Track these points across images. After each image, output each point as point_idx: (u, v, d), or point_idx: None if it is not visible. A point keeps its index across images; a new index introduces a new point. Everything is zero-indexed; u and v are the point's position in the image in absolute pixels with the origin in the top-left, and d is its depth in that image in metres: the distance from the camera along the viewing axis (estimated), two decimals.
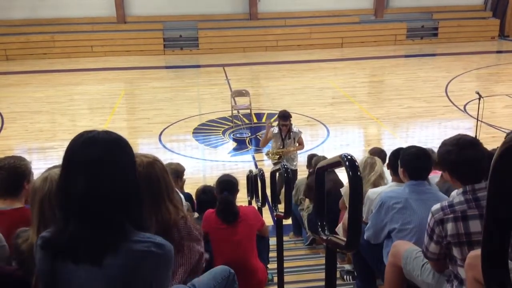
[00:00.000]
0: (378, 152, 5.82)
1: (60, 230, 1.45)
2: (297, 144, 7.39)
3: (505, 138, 3.10)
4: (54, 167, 2.06)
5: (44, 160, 8.94)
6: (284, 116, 7.19)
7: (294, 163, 7.37)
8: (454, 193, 3.25)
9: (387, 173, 4.15)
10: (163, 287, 1.53)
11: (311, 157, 6.30)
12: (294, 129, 7.37)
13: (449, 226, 2.35)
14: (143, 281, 1.46)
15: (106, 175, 1.43)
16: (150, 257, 1.45)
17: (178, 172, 5.01)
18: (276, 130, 7.38)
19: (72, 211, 1.44)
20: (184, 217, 2.18)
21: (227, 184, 3.78)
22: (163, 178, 2.13)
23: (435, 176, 4.37)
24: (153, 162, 2.12)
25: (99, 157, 1.44)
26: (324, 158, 5.22)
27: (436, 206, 2.43)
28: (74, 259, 1.44)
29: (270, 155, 7.46)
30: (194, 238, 2.19)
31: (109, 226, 1.43)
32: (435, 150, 4.99)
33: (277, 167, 4.78)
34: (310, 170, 5.65)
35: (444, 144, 2.51)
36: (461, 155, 2.38)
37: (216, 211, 3.61)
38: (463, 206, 2.36)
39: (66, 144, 1.50)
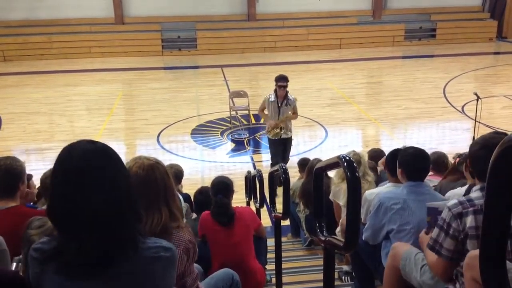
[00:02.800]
0: (378, 153, 5.85)
1: (62, 243, 1.40)
2: (291, 113, 7.52)
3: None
4: None
5: (42, 161, 8.93)
6: (282, 78, 7.34)
7: (288, 132, 7.58)
8: (458, 191, 3.26)
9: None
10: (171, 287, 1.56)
11: (302, 162, 6.26)
12: (290, 96, 7.47)
13: (469, 219, 2.32)
14: (154, 285, 1.47)
15: (101, 185, 1.40)
16: (160, 262, 1.47)
17: (180, 173, 5.02)
18: (272, 97, 7.46)
19: (71, 225, 1.39)
20: (179, 227, 2.08)
21: (221, 186, 3.76)
22: (163, 181, 2.06)
23: (433, 180, 4.39)
24: (155, 165, 2.07)
25: (92, 168, 1.40)
26: (319, 160, 5.23)
27: (454, 201, 2.40)
28: (80, 274, 1.39)
29: (270, 132, 7.51)
30: (185, 251, 2.06)
31: (116, 236, 1.40)
32: (434, 152, 5.01)
33: (275, 168, 4.77)
34: (304, 174, 5.63)
35: (476, 143, 2.53)
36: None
37: (211, 213, 3.61)
38: (482, 200, 2.37)
39: (63, 145, 1.47)
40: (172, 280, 1.56)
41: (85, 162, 1.40)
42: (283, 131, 7.45)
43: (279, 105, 7.40)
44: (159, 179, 2.05)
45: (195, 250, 2.13)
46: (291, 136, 7.69)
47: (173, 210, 2.08)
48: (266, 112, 7.66)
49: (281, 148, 7.61)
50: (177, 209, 2.11)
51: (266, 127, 7.76)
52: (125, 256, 1.41)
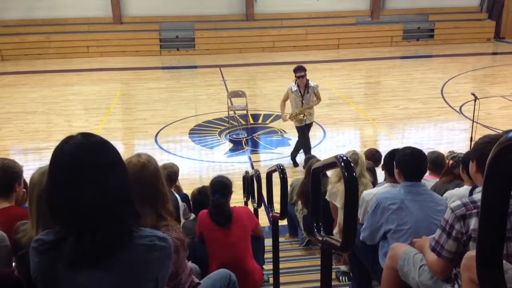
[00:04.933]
0: (373, 153, 5.86)
1: (62, 236, 1.43)
2: (315, 99, 8.11)
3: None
4: None
5: (40, 161, 8.91)
6: (299, 68, 7.88)
7: (310, 117, 8.26)
8: (456, 191, 3.25)
9: (380, 173, 4.16)
10: (164, 279, 1.57)
11: (308, 159, 6.30)
12: (311, 84, 8.02)
13: (473, 221, 2.29)
14: (149, 274, 1.48)
15: (99, 178, 1.43)
16: (154, 250, 1.48)
17: (174, 174, 5.00)
18: (294, 87, 7.99)
19: (70, 219, 1.42)
20: (168, 225, 2.08)
21: (220, 185, 3.74)
22: (151, 182, 2.05)
23: (431, 180, 4.39)
24: (145, 165, 2.07)
25: (89, 160, 1.43)
26: (318, 160, 5.23)
27: (457, 202, 2.37)
28: (79, 264, 1.42)
29: (293, 117, 8.11)
30: (173, 249, 2.09)
31: (114, 227, 1.43)
32: (432, 151, 5.01)
33: (273, 168, 4.76)
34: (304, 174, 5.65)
35: (484, 137, 2.49)
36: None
37: (208, 213, 3.60)
38: None
39: None
40: (167, 271, 1.57)
41: (76, 156, 1.42)
42: (305, 117, 8.04)
43: (302, 93, 7.93)
44: (146, 179, 2.05)
45: (185, 247, 2.14)
46: (312, 122, 8.38)
47: (160, 211, 2.08)
48: (287, 104, 8.28)
49: (307, 132, 8.33)
50: (165, 210, 2.10)
51: (282, 116, 8.38)
52: (121, 246, 1.44)
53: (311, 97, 8.01)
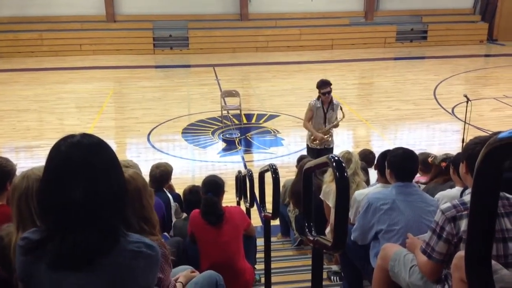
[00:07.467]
0: (367, 154, 5.87)
1: (47, 236, 1.42)
2: (340, 117, 7.11)
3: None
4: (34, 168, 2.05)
5: (31, 159, 8.86)
6: (325, 83, 6.76)
7: (330, 139, 7.16)
8: (447, 192, 3.27)
9: (373, 174, 4.17)
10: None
11: (301, 159, 6.30)
12: (335, 101, 7.04)
13: (463, 223, 2.30)
14: (134, 281, 1.46)
15: (93, 179, 1.42)
16: (141, 257, 1.46)
17: (167, 174, 4.98)
18: (318, 104, 6.93)
19: (58, 218, 1.41)
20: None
21: (212, 185, 3.74)
22: (132, 197, 2.02)
23: (421, 180, 4.40)
24: (128, 179, 2.01)
25: (85, 161, 1.42)
26: (309, 160, 5.22)
27: (447, 204, 2.39)
28: (61, 265, 1.41)
29: (316, 142, 7.02)
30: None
31: (102, 230, 1.42)
32: (422, 152, 5.02)
33: (266, 168, 4.77)
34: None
35: (475, 138, 2.50)
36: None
37: (200, 212, 3.60)
38: None
39: (53, 143, 1.48)
40: (154, 279, 1.55)
41: (70, 155, 1.42)
42: (330, 139, 7.08)
43: (325, 111, 6.93)
44: (133, 194, 2.02)
45: (169, 264, 2.09)
46: (333, 146, 7.28)
47: (142, 225, 2.04)
48: (310, 124, 7.08)
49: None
50: (148, 225, 2.06)
51: (308, 136, 7.25)
52: (107, 249, 1.42)
53: (334, 116, 7.01)
